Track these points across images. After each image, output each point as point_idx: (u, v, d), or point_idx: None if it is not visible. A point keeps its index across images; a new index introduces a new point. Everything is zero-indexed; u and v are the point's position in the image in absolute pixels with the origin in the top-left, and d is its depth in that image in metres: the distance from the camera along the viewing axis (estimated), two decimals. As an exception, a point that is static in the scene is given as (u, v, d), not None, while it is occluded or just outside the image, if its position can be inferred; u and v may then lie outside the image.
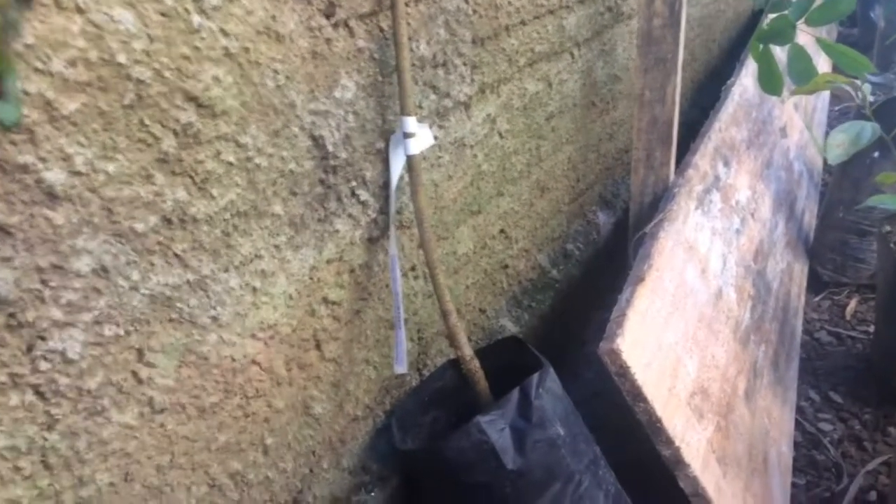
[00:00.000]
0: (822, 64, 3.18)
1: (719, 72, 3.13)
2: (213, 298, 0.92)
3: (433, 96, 1.32)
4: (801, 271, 2.42)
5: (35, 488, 0.76)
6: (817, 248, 2.53)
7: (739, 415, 1.63)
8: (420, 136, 1.19)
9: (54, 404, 0.76)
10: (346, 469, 1.26)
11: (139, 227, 0.80)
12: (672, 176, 2.00)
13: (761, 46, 2.23)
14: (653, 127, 1.98)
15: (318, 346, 1.14)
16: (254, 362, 1.01)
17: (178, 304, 0.87)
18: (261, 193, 0.97)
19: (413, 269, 1.36)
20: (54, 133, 0.70)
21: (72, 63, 0.71)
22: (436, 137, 1.34)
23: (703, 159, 2.07)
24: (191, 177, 0.86)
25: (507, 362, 1.37)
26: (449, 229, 1.46)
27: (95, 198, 0.75)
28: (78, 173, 0.73)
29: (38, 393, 0.74)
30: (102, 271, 0.77)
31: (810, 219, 2.70)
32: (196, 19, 0.82)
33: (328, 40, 1.05)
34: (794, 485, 1.72)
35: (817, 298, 2.44)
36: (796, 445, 1.83)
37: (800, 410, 1.95)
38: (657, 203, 1.94)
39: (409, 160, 1.19)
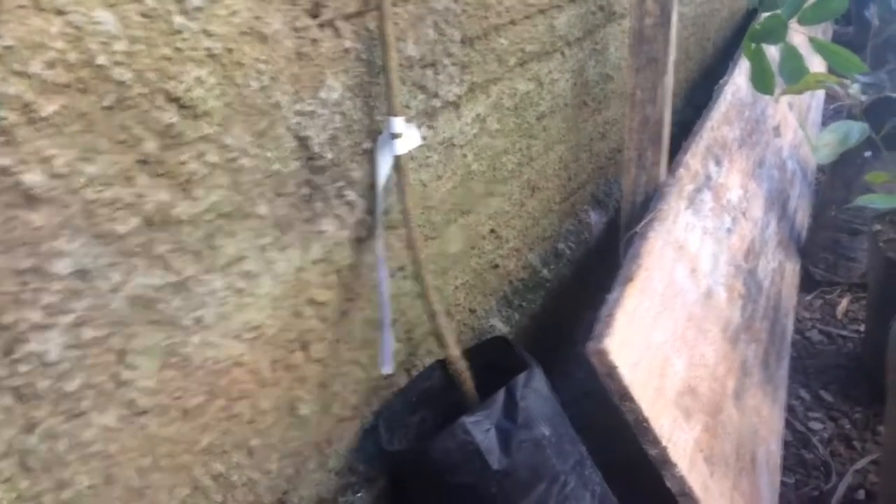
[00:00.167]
0: (818, 63, 3.18)
1: (714, 71, 3.13)
2: (196, 300, 0.92)
3: (422, 96, 1.32)
4: (792, 270, 2.42)
5: (14, 490, 0.76)
6: (810, 247, 2.53)
7: (728, 414, 1.64)
8: (407, 137, 1.18)
9: (34, 407, 0.76)
10: (333, 470, 1.26)
11: (120, 228, 0.80)
12: (663, 175, 2.00)
13: (754, 45, 2.23)
14: (644, 126, 1.97)
15: (304, 347, 1.14)
16: (238, 364, 1.00)
17: (160, 306, 0.87)
18: (245, 194, 0.97)
19: (402, 269, 1.36)
20: (33, 135, 0.70)
21: (51, 65, 0.71)
22: (424, 138, 1.34)
23: (694, 159, 2.07)
24: (173, 178, 0.86)
25: (495, 362, 1.37)
26: (438, 229, 1.45)
27: (76, 200, 0.75)
28: (58, 175, 0.73)
29: (18, 395, 0.74)
30: (82, 273, 0.77)
31: (803, 218, 2.71)
32: (178, 20, 0.82)
33: (314, 41, 1.04)
34: (783, 483, 1.72)
35: (809, 297, 2.44)
36: (786, 444, 1.83)
37: (790, 409, 1.95)
38: (648, 203, 1.94)
39: (397, 160, 1.19)
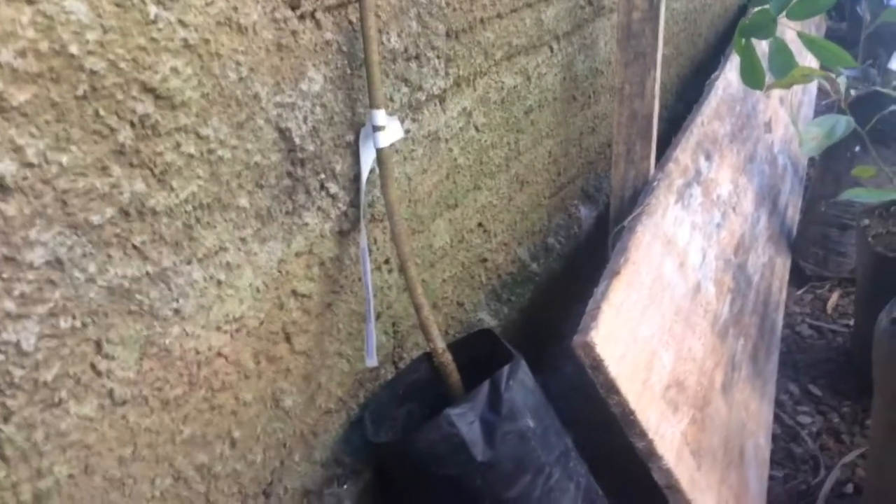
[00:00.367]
0: (811, 58, 3.18)
1: (705, 66, 3.13)
2: (175, 291, 0.92)
3: (405, 89, 1.32)
4: (783, 265, 2.43)
5: (-10, 480, 0.76)
6: (800, 241, 2.53)
7: (716, 408, 1.64)
8: (390, 130, 1.19)
9: (9, 396, 0.75)
10: (319, 462, 1.26)
11: (95, 219, 0.80)
12: (652, 170, 2.01)
13: (744, 40, 2.23)
14: (633, 121, 1.98)
15: (287, 339, 1.14)
16: (219, 355, 1.00)
17: (138, 297, 0.87)
18: (224, 186, 0.97)
19: (387, 261, 1.36)
20: (4, 124, 0.70)
21: (21, 54, 0.70)
22: (408, 131, 1.34)
23: (683, 153, 2.07)
24: (149, 168, 0.86)
25: (481, 355, 1.37)
26: (424, 223, 1.45)
27: (49, 189, 0.75)
28: (30, 165, 0.73)
29: (-7, 385, 0.74)
30: (57, 263, 0.77)
31: (794, 213, 2.71)
32: (153, 10, 0.82)
33: (294, 32, 1.04)
34: (771, 477, 1.72)
35: (799, 292, 2.44)
36: (774, 438, 1.83)
37: (779, 403, 1.96)
38: (637, 197, 1.94)
39: (379, 153, 1.19)
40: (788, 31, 2.24)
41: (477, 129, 1.58)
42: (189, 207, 0.92)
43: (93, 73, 0.77)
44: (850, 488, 1.71)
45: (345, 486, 1.28)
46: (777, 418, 1.90)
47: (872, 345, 1.50)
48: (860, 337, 2.08)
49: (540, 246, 1.98)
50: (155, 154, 0.86)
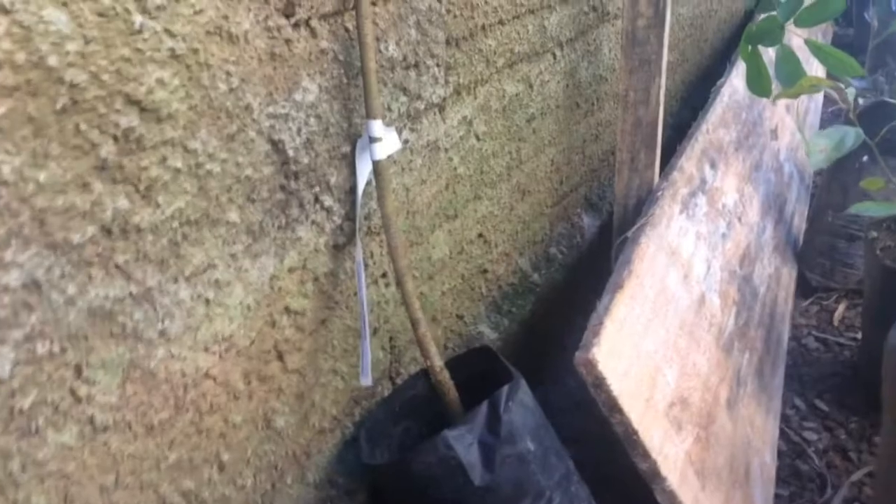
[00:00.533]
0: (817, 65, 3.14)
1: (711, 73, 3.10)
2: (160, 311, 0.88)
3: (403, 98, 1.28)
4: (789, 276, 2.39)
5: (-38, 513, 0.72)
6: (806, 252, 2.49)
7: (720, 425, 1.60)
8: (387, 141, 1.15)
9: (-18, 425, 0.72)
10: (312, 483, 1.22)
11: (75, 238, 0.76)
12: (657, 179, 1.97)
13: (750, 47, 2.19)
14: (637, 129, 1.94)
15: (279, 358, 1.10)
16: (207, 376, 0.97)
17: (121, 318, 0.83)
18: (213, 200, 0.93)
19: (384, 275, 1.32)
20: (-24, 140, 0.66)
21: (-4, 66, 0.67)
22: (406, 141, 1.31)
23: (689, 162, 2.03)
24: (133, 184, 0.82)
25: (480, 372, 1.33)
26: (423, 234, 1.42)
27: (25, 208, 0.71)
28: (4, 183, 0.69)
29: (-35, 413, 0.71)
30: (34, 285, 0.73)
31: (800, 222, 2.67)
32: (138, 19, 0.78)
33: (288, 41, 1.01)
34: (777, 496, 1.69)
35: (805, 303, 2.40)
36: (780, 455, 1.79)
37: (784, 419, 1.92)
38: (641, 206, 1.91)
39: (376, 165, 1.15)
40: (795, 37, 2.21)
41: (478, 138, 1.54)
42: (175, 224, 0.88)
43: (73, 85, 0.73)
44: (857, 507, 1.67)
45: (339, 508, 1.24)
46: (783, 434, 1.86)
47: (882, 361, 1.46)
48: (867, 351, 2.04)
49: (541, 256, 1.94)
50: (139, 169, 0.82)
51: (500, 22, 1.53)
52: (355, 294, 1.23)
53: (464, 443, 1.12)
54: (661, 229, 1.75)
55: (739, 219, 2.17)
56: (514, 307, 1.80)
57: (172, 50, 0.83)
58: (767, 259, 2.25)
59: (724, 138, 2.33)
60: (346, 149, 1.15)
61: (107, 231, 0.80)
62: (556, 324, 1.94)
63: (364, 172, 1.17)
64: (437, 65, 1.35)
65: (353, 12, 1.11)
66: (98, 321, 0.80)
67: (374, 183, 1.19)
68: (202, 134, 0.89)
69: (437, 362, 1.22)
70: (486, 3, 1.46)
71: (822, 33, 4.11)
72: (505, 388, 1.17)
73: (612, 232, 1.98)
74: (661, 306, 1.60)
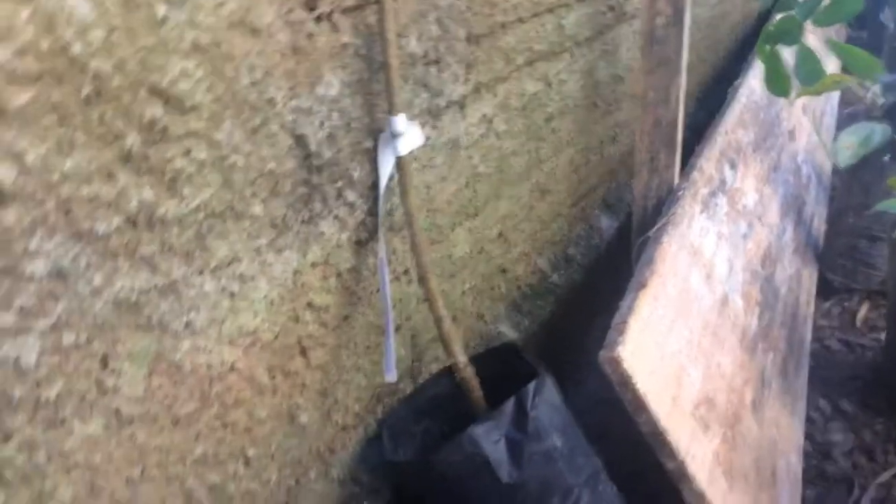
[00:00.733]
0: (832, 65, 3.12)
1: (726, 74, 3.08)
2: (185, 303, 0.87)
3: (425, 95, 1.27)
4: (809, 277, 2.36)
5: (-11, 505, 0.72)
6: (827, 253, 2.46)
7: (747, 426, 1.58)
8: (409, 136, 1.14)
9: (9, 415, 0.71)
10: (335, 480, 1.21)
11: (101, 228, 0.76)
12: (676, 179, 1.95)
13: (768, 47, 2.18)
14: (657, 129, 1.92)
15: (303, 353, 1.09)
16: (233, 370, 0.96)
17: (147, 310, 0.82)
18: (238, 193, 0.93)
19: (406, 272, 1.31)
20: (1, 127, 0.66)
21: (20, 53, 0.66)
22: (428, 138, 1.30)
23: (708, 162, 2.02)
24: (158, 176, 0.81)
25: (504, 370, 1.32)
26: (444, 232, 1.41)
27: (51, 197, 0.71)
28: (30, 170, 0.69)
29: (-8, 403, 0.70)
30: (60, 275, 0.73)
31: (819, 224, 2.64)
32: (161, 9, 0.78)
33: (310, 35, 1.00)
34: (803, 498, 1.66)
35: (827, 305, 2.37)
36: (806, 456, 1.77)
37: (809, 420, 1.89)
38: (661, 207, 1.89)
39: (399, 161, 1.14)
40: (809, 37, 2.19)
41: (497, 137, 1.53)
42: (200, 216, 0.88)
43: (97, 74, 0.73)
44: (886, 509, 1.64)
45: (362, 507, 1.23)
46: (808, 436, 1.83)
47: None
48: (892, 352, 2.00)
49: (560, 257, 1.93)
50: (164, 160, 0.82)
51: (520, 20, 1.53)
52: (377, 290, 1.22)
53: (490, 439, 1.11)
54: (683, 229, 1.73)
55: (760, 219, 2.15)
56: (534, 307, 1.78)
57: (195, 41, 0.83)
58: (788, 260, 2.22)
59: (743, 139, 2.31)
60: (368, 144, 1.15)
61: (132, 222, 0.79)
62: (575, 325, 1.92)
63: (387, 168, 1.16)
64: (458, 62, 1.35)
65: (375, 7, 1.10)
66: (124, 312, 0.80)
67: (396, 178, 1.18)
68: (226, 126, 0.89)
69: (462, 359, 1.20)
70: (505, 0, 1.46)
71: (836, 34, 4.08)
72: (532, 384, 1.16)
73: (631, 234, 1.96)
74: (684, 306, 1.58)
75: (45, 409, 0.74)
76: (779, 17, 2.20)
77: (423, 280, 1.18)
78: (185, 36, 0.82)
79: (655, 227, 1.74)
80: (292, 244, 1.04)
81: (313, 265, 1.08)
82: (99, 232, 0.76)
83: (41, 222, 0.70)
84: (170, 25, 0.80)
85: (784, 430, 1.73)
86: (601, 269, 2.08)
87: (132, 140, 0.78)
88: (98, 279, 0.76)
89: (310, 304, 1.09)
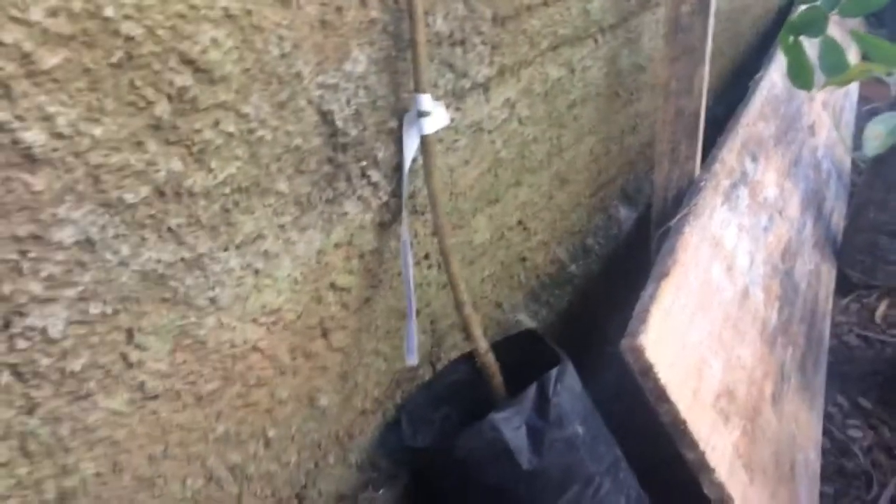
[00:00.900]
0: (853, 57, 3.08)
1: (746, 67, 3.05)
2: (211, 279, 0.86)
3: (449, 75, 1.25)
4: (829, 272, 2.33)
5: (12, 477, 0.70)
6: (846, 249, 2.44)
7: (766, 419, 1.56)
8: (435, 115, 1.12)
9: (34, 386, 0.70)
10: (354, 465, 1.19)
11: (129, 197, 0.74)
12: (697, 170, 1.93)
13: (792, 38, 2.15)
14: (679, 119, 1.90)
15: (324, 335, 1.08)
16: (255, 349, 0.94)
17: (173, 283, 0.81)
18: (264, 168, 0.91)
19: (427, 257, 1.30)
20: (33, 89, 0.64)
21: (53, 13, 0.65)
22: (452, 119, 1.28)
23: (730, 154, 1.99)
24: (187, 146, 0.80)
25: (524, 357, 1.30)
26: (465, 217, 1.39)
27: (80, 163, 0.69)
28: (60, 135, 0.67)
29: (16, 373, 0.69)
30: (88, 244, 0.71)
31: (839, 219, 2.61)
32: (194, -25, 0.76)
33: (339, 9, 0.98)
34: (822, 494, 1.64)
35: (845, 301, 2.35)
36: (824, 452, 1.75)
37: (828, 416, 1.87)
38: (681, 198, 1.87)
39: (424, 141, 1.12)
40: (831, 30, 2.16)
41: (520, 122, 1.51)
42: (227, 190, 0.86)
43: (129, 39, 0.71)
44: (906, 507, 1.62)
45: (380, 491, 1.21)
46: (826, 432, 1.81)
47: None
48: (912, 348, 1.99)
49: (579, 247, 1.91)
50: (193, 131, 0.80)
51: (545, 3, 1.50)
52: (399, 274, 1.21)
53: (511, 425, 1.09)
54: (705, 220, 1.71)
55: (780, 213, 2.13)
56: (553, 297, 1.77)
57: (226, 9, 0.81)
58: (808, 255, 2.20)
59: (764, 132, 2.29)
60: (393, 123, 1.13)
61: (160, 193, 0.78)
62: (593, 316, 1.91)
63: (411, 148, 1.14)
64: (483, 43, 1.33)
65: (403, -16, 1.08)
66: (150, 285, 0.78)
67: (420, 160, 1.16)
68: (254, 99, 0.87)
69: (483, 344, 1.19)
70: (531, -17, 1.43)
71: (851, 32, 4.04)
72: (554, 371, 1.14)
73: (651, 225, 1.94)
74: (705, 297, 1.56)
75: (70, 382, 0.73)
76: (802, 7, 2.17)
77: (445, 264, 1.16)
78: (216, 3, 0.80)
79: (677, 217, 1.72)
80: (316, 223, 1.02)
81: (336, 245, 1.07)
82: (127, 201, 0.74)
83: (70, 189, 0.69)
84: (201, -8, 0.78)
85: (803, 425, 1.71)
86: (620, 260, 2.06)
87: (162, 108, 0.76)
88: (125, 250, 0.75)
89: (332, 285, 1.07)
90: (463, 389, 1.31)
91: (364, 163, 1.09)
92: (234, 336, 0.90)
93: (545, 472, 1.10)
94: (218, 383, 0.89)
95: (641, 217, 2.19)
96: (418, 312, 1.29)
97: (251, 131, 0.88)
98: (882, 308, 2.29)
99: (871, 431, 1.85)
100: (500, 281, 1.56)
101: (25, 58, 0.63)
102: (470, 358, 1.25)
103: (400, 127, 1.14)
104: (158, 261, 0.79)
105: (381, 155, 1.12)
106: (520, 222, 1.60)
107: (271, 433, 0.99)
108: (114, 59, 0.71)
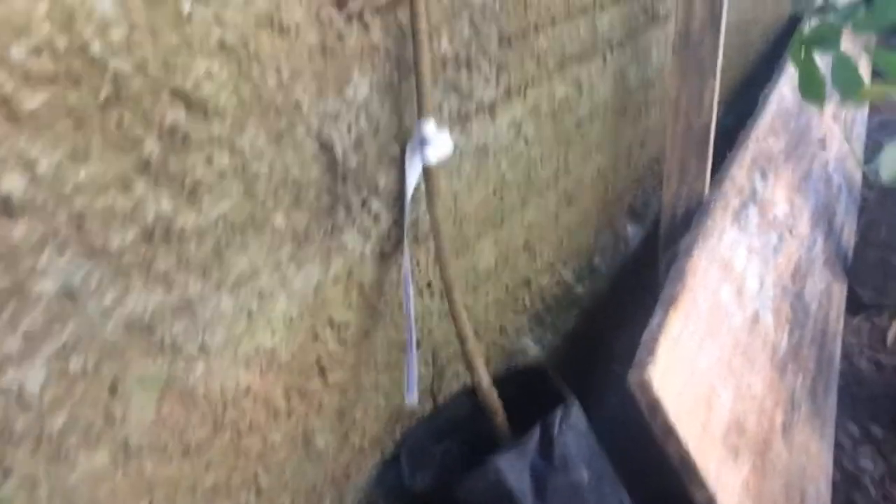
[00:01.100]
0: (862, 70, 3.04)
1: (755, 77, 3.00)
2: (200, 323, 0.81)
3: (455, 98, 1.21)
4: (839, 292, 2.29)
5: (-15, 543, 0.66)
6: (857, 266, 2.39)
7: (776, 452, 1.51)
8: (439, 143, 1.08)
9: (9, 450, 0.65)
10: (350, 505, 1.15)
11: (115, 242, 0.70)
12: (707, 188, 1.88)
13: (804, 53, 2.10)
14: (688, 136, 1.85)
15: (321, 372, 1.03)
16: (247, 393, 0.90)
17: (160, 331, 0.76)
18: (260, 204, 0.86)
19: (429, 285, 1.25)
20: (12, 132, 0.60)
21: (35, 52, 0.60)
22: (456, 144, 1.23)
23: (740, 171, 1.95)
24: (178, 185, 0.75)
25: (529, 390, 1.26)
26: (469, 243, 1.34)
27: (62, 209, 0.65)
28: (42, 180, 0.63)
29: (-10, 435, 0.64)
30: (69, 294, 0.67)
31: (849, 235, 2.57)
32: (186, 6, 0.72)
33: (340, 35, 0.94)
34: (832, 527, 1.59)
35: (856, 320, 2.30)
36: (834, 484, 1.70)
37: (837, 445, 1.82)
38: (690, 216, 1.82)
39: (427, 169, 1.08)
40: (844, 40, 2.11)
41: (526, 142, 1.47)
42: (220, 228, 0.82)
43: (117, 75, 0.67)
44: (918, 542, 1.57)
45: (377, 532, 1.17)
46: (836, 461, 1.76)
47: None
48: (924, 373, 1.94)
49: (585, 267, 1.86)
50: (184, 169, 0.76)
51: (553, 21, 1.46)
52: (400, 305, 1.16)
53: (514, 469, 1.05)
54: (714, 242, 1.67)
55: (790, 231, 2.08)
56: (558, 320, 1.72)
57: (222, 40, 0.77)
58: (818, 274, 2.15)
59: (774, 147, 2.24)
60: (395, 150, 1.08)
61: (148, 235, 0.73)
62: (598, 337, 1.86)
63: (414, 175, 1.09)
64: (489, 64, 1.28)
65: (407, 5, 1.04)
66: (136, 334, 0.74)
67: (423, 187, 1.12)
68: (250, 131, 0.83)
69: (486, 381, 1.14)
70: (539, 1, 1.39)
71: (864, 45, 3.99)
72: (558, 411, 1.10)
73: (658, 242, 1.90)
74: (714, 323, 1.51)
75: (49, 443, 0.68)
76: (813, 21, 2.13)
77: (448, 296, 1.12)
78: (211, 34, 0.75)
79: (685, 240, 1.67)
80: (314, 257, 0.97)
81: (335, 279, 1.02)
82: (113, 247, 0.70)
83: (51, 237, 0.64)
84: (195, 22, 0.73)
85: (813, 456, 1.66)
86: (626, 279, 2.01)
87: (151, 147, 0.71)
88: (109, 298, 0.70)
89: (330, 320, 1.03)
90: (465, 423, 1.27)
91: (365, 192, 1.04)
92: (224, 382, 0.86)
93: (549, 516, 1.06)
94: (207, 432, 0.85)
95: (649, 233, 2.14)
96: (419, 344, 1.25)
97: (246, 165, 0.83)
98: (894, 329, 2.24)
99: (883, 461, 1.80)
100: (505, 306, 1.52)
101: (5, 100, 0.59)
102: (471, 390, 1.21)
103: (402, 153, 1.10)
104: (145, 308, 0.74)
105: (382, 183, 1.07)
106: (525, 244, 1.56)
107: (263, 481, 0.95)
108: (101, 97, 0.66)
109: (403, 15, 1.04)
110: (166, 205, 0.75)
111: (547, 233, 1.63)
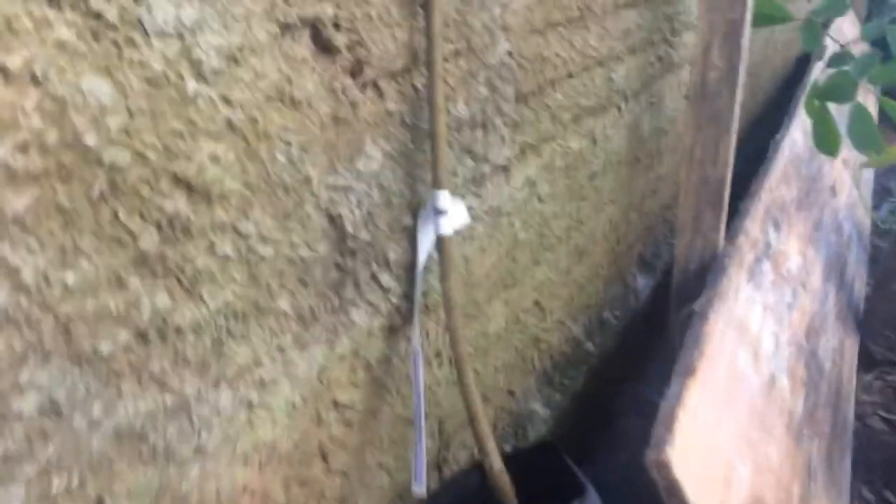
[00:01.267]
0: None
1: (765, 120, 2.96)
2: (196, 423, 0.75)
3: (470, 162, 1.15)
4: (852, 347, 2.23)
5: None
6: (869, 321, 2.33)
7: (795, 527, 1.45)
8: (454, 214, 1.02)
9: (-19, 579, 0.59)
10: (349, 592, 1.08)
11: (104, 347, 0.64)
12: (721, 241, 1.83)
13: (818, 103, 2.06)
14: (703, 188, 1.80)
15: (323, 458, 0.97)
16: (245, 491, 0.83)
17: (152, 437, 0.70)
18: (263, 289, 0.80)
19: (438, 355, 1.19)
20: (-7, 241, 0.54)
21: (22, 149, 0.54)
22: (470, 208, 1.18)
23: (753, 223, 1.89)
24: (176, 278, 0.69)
25: (538, 469, 1.19)
26: (480, 307, 1.28)
27: (48, 317, 0.59)
28: (25, 289, 0.56)
29: (-40, 566, 0.58)
30: (53, 409, 0.60)
31: (861, 286, 2.51)
32: (191, 86, 0.66)
33: (353, 103, 0.88)
34: None
35: (868, 377, 2.24)
36: (852, 556, 1.63)
37: (854, 512, 1.76)
38: (704, 270, 1.77)
39: (441, 240, 1.02)
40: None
41: (540, 200, 1.41)
42: (220, 320, 0.75)
43: (113, 167, 0.61)
44: None
45: None
46: (853, 531, 1.70)
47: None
48: (942, 437, 1.88)
49: (595, 321, 1.80)
50: (184, 260, 0.70)
51: (569, 75, 1.41)
52: (407, 378, 1.10)
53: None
54: (730, 302, 1.61)
55: (804, 285, 2.03)
56: (567, 378, 1.66)
57: (229, 120, 0.71)
58: (831, 330, 2.09)
59: (786, 196, 2.19)
60: (407, 220, 1.02)
61: (142, 336, 0.67)
62: (607, 393, 1.80)
63: (425, 246, 1.03)
64: (505, 123, 1.22)
65: (423, 70, 0.98)
66: (125, 443, 0.67)
67: (435, 257, 1.06)
68: (255, 214, 0.77)
69: (497, 464, 1.08)
70: (556, 55, 1.34)
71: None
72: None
73: (671, 295, 1.84)
74: (732, 392, 1.45)
75: (26, 568, 0.61)
76: (828, 70, 2.08)
77: (459, 376, 1.05)
78: (217, 115, 0.69)
79: (700, 300, 1.61)
80: (319, 337, 0.91)
81: (341, 359, 0.96)
82: (103, 352, 0.64)
83: (35, 349, 0.58)
84: (200, 104, 0.67)
85: (830, 528, 1.60)
86: (637, 332, 1.95)
87: (148, 239, 0.65)
88: (97, 409, 0.64)
89: (335, 403, 0.96)
90: (472, 498, 1.20)
91: (374, 266, 0.98)
92: (220, 484, 0.79)
93: None
94: (202, 539, 0.78)
95: (660, 284, 2.08)
96: (426, 415, 1.18)
97: (250, 250, 0.77)
98: (906, 387, 2.18)
99: (899, 530, 1.73)
100: (514, 368, 1.46)
101: (-17, 207, 0.53)
102: (479, 468, 1.14)
103: (414, 222, 1.04)
104: (136, 414, 0.68)
105: (392, 255, 1.01)
106: (536, 303, 1.50)
107: (261, 583, 0.88)
108: (94, 192, 0.60)
109: (420, 79, 0.99)
110: (163, 301, 0.68)
111: (558, 289, 1.57)
